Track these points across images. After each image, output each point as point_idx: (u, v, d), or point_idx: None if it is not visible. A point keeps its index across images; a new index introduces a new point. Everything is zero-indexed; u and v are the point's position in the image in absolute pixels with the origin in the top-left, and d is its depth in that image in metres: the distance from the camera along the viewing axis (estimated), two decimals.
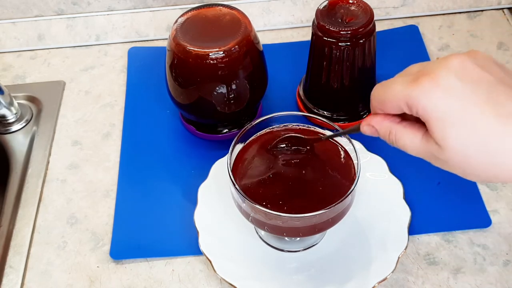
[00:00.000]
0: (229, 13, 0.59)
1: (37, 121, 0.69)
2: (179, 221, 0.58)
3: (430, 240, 0.56)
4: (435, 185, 0.60)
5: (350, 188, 0.47)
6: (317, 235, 0.55)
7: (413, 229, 0.56)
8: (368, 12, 0.58)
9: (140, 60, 0.75)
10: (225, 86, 0.57)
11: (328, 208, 0.45)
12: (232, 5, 0.60)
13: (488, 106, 0.34)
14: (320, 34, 0.58)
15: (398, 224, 0.55)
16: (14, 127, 0.68)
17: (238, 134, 0.51)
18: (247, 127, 0.52)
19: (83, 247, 0.58)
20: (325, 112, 0.64)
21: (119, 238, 0.57)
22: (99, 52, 0.77)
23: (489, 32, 0.76)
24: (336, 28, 0.57)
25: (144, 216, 0.59)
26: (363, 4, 0.59)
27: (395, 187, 0.58)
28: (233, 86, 0.58)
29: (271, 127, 0.53)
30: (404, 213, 0.56)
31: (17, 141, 0.67)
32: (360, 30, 0.57)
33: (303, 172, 0.50)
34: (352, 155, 0.51)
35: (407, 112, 0.37)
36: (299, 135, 0.52)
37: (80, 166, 0.65)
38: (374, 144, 0.59)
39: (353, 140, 0.50)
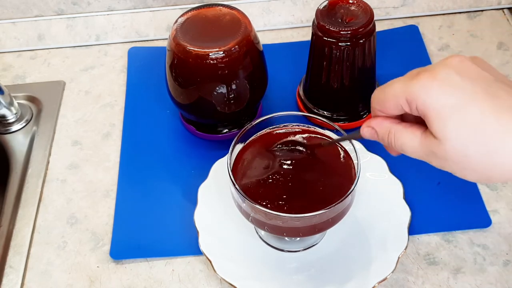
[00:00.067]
0: (229, 13, 0.59)
1: (37, 121, 0.69)
2: (179, 221, 0.58)
3: (430, 240, 0.56)
4: (435, 185, 0.60)
5: (350, 188, 0.47)
6: (317, 235, 0.55)
7: (413, 229, 0.56)
8: (368, 12, 0.58)
9: (140, 60, 0.75)
10: (225, 86, 0.57)
11: (328, 208, 0.45)
12: (232, 5, 0.60)
13: (487, 99, 0.34)
14: (320, 34, 0.58)
15: (398, 224, 0.55)
16: (14, 127, 0.68)
17: (238, 134, 0.51)
18: (247, 127, 0.52)
19: (83, 247, 0.58)
20: (325, 112, 0.64)
21: (119, 238, 0.57)
22: (99, 52, 0.77)
23: (489, 32, 0.76)
24: (336, 28, 0.57)
25: (144, 216, 0.59)
26: (363, 4, 0.59)
27: (395, 187, 0.58)
28: (233, 86, 0.58)
29: (271, 127, 0.53)
30: (404, 213, 0.56)
31: (17, 141, 0.67)
32: (360, 30, 0.57)
33: (303, 172, 0.50)
34: (352, 155, 0.51)
35: (407, 110, 0.37)
36: (300, 140, 0.52)
37: (80, 166, 0.65)
38: (374, 144, 0.59)
39: (353, 140, 0.50)
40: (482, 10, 0.79)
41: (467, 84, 0.35)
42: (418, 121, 0.38)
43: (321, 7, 0.59)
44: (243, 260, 0.54)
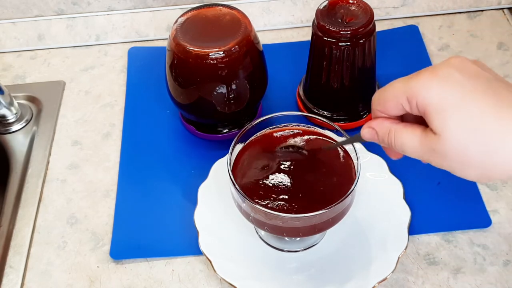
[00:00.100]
0: (229, 13, 0.59)
1: (37, 121, 0.69)
2: (179, 221, 0.58)
3: (430, 240, 0.56)
4: (435, 185, 0.60)
5: (350, 188, 0.47)
6: (317, 235, 0.55)
7: (413, 229, 0.56)
8: (368, 12, 0.58)
9: (140, 60, 0.75)
10: (225, 86, 0.57)
11: (328, 208, 0.45)
12: (232, 5, 0.60)
13: (487, 96, 0.35)
14: (320, 34, 0.58)
15: (398, 224, 0.55)
16: (14, 127, 0.68)
17: (238, 134, 0.51)
18: (247, 127, 0.52)
19: (83, 247, 0.58)
20: (325, 112, 0.64)
21: (119, 238, 0.57)
22: (99, 52, 0.77)
23: (489, 32, 0.76)
24: (336, 28, 0.57)
25: (144, 216, 0.59)
26: (363, 4, 0.59)
27: (395, 187, 0.58)
28: (233, 86, 0.58)
29: (271, 127, 0.53)
30: (404, 213, 0.56)
31: (17, 141, 0.67)
32: (360, 30, 0.57)
33: (303, 172, 0.50)
34: (352, 155, 0.51)
35: (407, 108, 0.38)
36: (300, 144, 0.52)
37: (80, 166, 0.65)
38: (374, 144, 0.59)
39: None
40: (482, 10, 0.79)
41: (467, 81, 0.35)
42: (418, 122, 0.38)
43: (321, 7, 0.59)
44: (243, 260, 0.54)
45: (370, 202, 0.57)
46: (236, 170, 0.51)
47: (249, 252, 0.55)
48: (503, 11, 0.79)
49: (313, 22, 0.59)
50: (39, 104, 0.71)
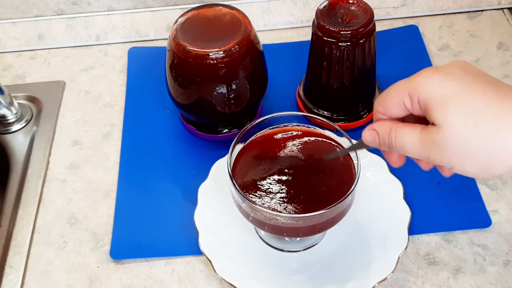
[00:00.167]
0: (229, 13, 0.59)
1: (37, 121, 0.69)
2: (179, 221, 0.58)
3: (430, 240, 0.56)
4: (435, 185, 0.60)
5: (350, 188, 0.47)
6: (317, 235, 0.55)
7: (413, 229, 0.56)
8: (368, 12, 0.58)
9: (140, 60, 0.75)
10: (225, 86, 0.57)
11: (328, 208, 0.45)
12: (232, 5, 0.60)
13: (488, 88, 0.35)
14: (320, 34, 0.58)
15: (398, 224, 0.55)
16: (14, 127, 0.68)
17: (238, 134, 0.51)
18: (247, 127, 0.52)
19: (83, 247, 0.58)
20: (325, 112, 0.64)
21: (119, 238, 0.57)
22: (99, 52, 0.77)
23: (489, 32, 0.76)
24: (336, 28, 0.57)
25: (144, 216, 0.59)
26: (363, 4, 0.59)
27: (395, 187, 0.58)
28: (233, 86, 0.58)
29: (271, 127, 0.53)
30: (404, 213, 0.56)
31: (17, 141, 0.67)
32: (360, 30, 0.57)
33: (303, 172, 0.50)
34: (352, 155, 0.51)
35: (409, 106, 0.38)
36: (300, 146, 0.52)
37: (80, 166, 0.65)
38: None
39: (353, 140, 0.50)
40: (482, 10, 0.79)
41: (468, 76, 0.36)
42: (419, 122, 0.38)
43: (321, 7, 0.59)
44: (243, 260, 0.54)
45: (370, 202, 0.57)
46: (236, 170, 0.51)
47: (249, 252, 0.55)
48: (503, 11, 0.79)
49: (313, 22, 0.59)
50: (39, 104, 0.71)
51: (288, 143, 0.53)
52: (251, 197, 0.49)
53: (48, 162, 0.65)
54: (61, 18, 0.77)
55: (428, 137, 0.36)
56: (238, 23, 0.57)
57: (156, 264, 0.56)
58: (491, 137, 0.34)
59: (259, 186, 0.50)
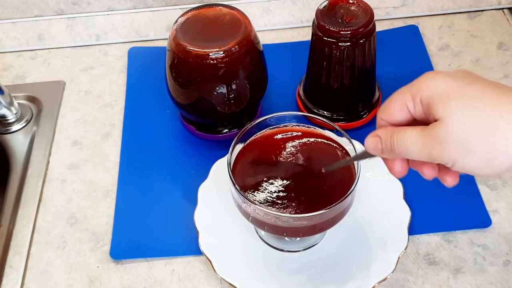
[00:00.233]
0: (229, 13, 0.59)
1: (37, 121, 0.69)
2: (179, 221, 0.58)
3: (430, 240, 0.56)
4: (435, 185, 0.59)
5: (350, 188, 0.47)
6: (317, 235, 0.55)
7: (413, 229, 0.56)
8: (368, 12, 0.58)
9: (140, 60, 0.75)
10: (225, 86, 0.57)
11: (328, 208, 0.45)
12: (232, 5, 0.60)
13: (491, 85, 0.36)
14: (320, 34, 0.58)
15: (398, 224, 0.55)
16: (14, 127, 0.68)
17: (238, 134, 0.51)
18: (247, 127, 0.52)
19: (83, 247, 0.58)
20: (325, 112, 0.64)
21: (119, 238, 0.57)
22: (99, 52, 0.77)
23: (489, 32, 0.76)
24: (336, 28, 0.57)
25: (144, 216, 0.59)
26: (363, 4, 0.59)
27: (395, 187, 0.58)
28: (233, 86, 0.58)
29: (271, 127, 0.53)
30: (404, 213, 0.56)
31: (17, 141, 0.67)
32: (360, 30, 0.57)
33: (303, 172, 0.50)
34: (352, 155, 0.51)
35: (411, 108, 0.38)
36: (300, 146, 0.52)
37: (80, 166, 0.65)
38: None
39: (353, 140, 0.50)
40: (482, 10, 0.79)
41: (470, 76, 0.37)
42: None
43: (321, 7, 0.59)
44: (243, 260, 0.54)
45: (370, 202, 0.57)
46: (236, 170, 0.51)
47: (249, 252, 0.55)
48: (503, 11, 0.79)
49: (313, 22, 0.59)
50: (39, 104, 0.71)
51: (288, 143, 0.53)
52: (251, 197, 0.49)
53: (48, 162, 0.65)
54: (61, 18, 0.77)
55: (430, 133, 0.36)
56: (238, 23, 0.57)
57: (156, 264, 0.56)
58: (493, 127, 0.34)
59: (259, 186, 0.50)
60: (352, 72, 0.60)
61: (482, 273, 0.54)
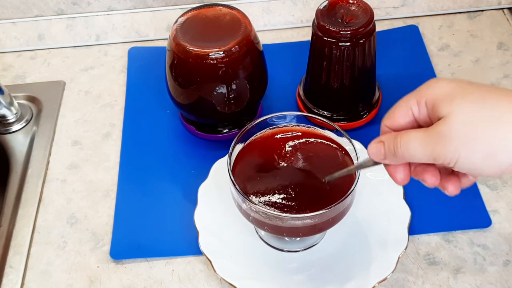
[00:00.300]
0: (229, 13, 0.59)
1: (37, 121, 0.69)
2: (179, 221, 0.58)
3: (430, 240, 0.56)
4: None
5: (350, 188, 0.47)
6: (317, 235, 0.55)
7: (413, 229, 0.56)
8: (368, 12, 0.58)
9: (140, 60, 0.75)
10: (225, 86, 0.57)
11: (328, 208, 0.45)
12: (232, 5, 0.60)
13: (493, 88, 0.37)
14: (320, 34, 0.58)
15: (398, 224, 0.55)
16: (14, 127, 0.68)
17: (238, 134, 0.51)
18: (247, 127, 0.52)
19: (83, 247, 0.58)
20: (325, 112, 0.64)
21: (119, 238, 0.57)
22: (99, 52, 0.77)
23: (489, 32, 0.76)
24: (336, 28, 0.57)
25: (144, 216, 0.59)
26: (363, 4, 0.59)
27: (395, 187, 0.58)
28: (233, 86, 0.58)
29: (271, 127, 0.53)
30: (404, 213, 0.56)
31: (17, 141, 0.67)
32: (360, 30, 0.57)
33: (303, 172, 0.50)
34: (352, 155, 0.51)
35: (416, 112, 0.39)
36: (300, 146, 0.52)
37: (80, 166, 0.65)
38: None
39: (353, 140, 0.50)
40: (482, 10, 0.79)
41: (473, 82, 0.38)
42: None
43: (321, 7, 0.59)
44: (243, 260, 0.54)
45: (370, 202, 0.57)
46: (236, 170, 0.51)
47: (249, 252, 0.55)
48: (503, 11, 0.79)
49: (313, 22, 0.59)
50: (39, 104, 0.71)
51: (288, 143, 0.53)
52: (251, 197, 0.49)
53: (48, 162, 0.65)
54: (61, 18, 0.77)
55: (433, 131, 0.37)
56: (238, 23, 0.57)
57: (156, 264, 0.56)
58: (493, 126, 0.35)
59: (259, 186, 0.50)
60: (352, 72, 0.60)
61: (482, 273, 0.54)
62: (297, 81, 0.69)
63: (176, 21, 0.58)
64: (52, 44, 0.78)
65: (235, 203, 0.51)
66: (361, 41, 0.57)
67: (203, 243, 0.54)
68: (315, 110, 0.65)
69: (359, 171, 0.48)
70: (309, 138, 0.53)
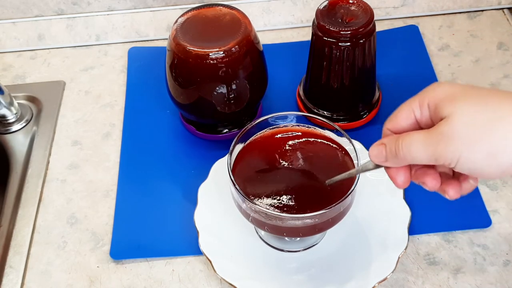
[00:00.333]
0: (229, 13, 0.59)
1: (37, 121, 0.69)
2: (179, 221, 0.58)
3: (430, 240, 0.56)
4: None
5: (350, 188, 0.47)
6: (317, 235, 0.55)
7: (413, 229, 0.56)
8: (368, 12, 0.58)
9: (140, 60, 0.75)
10: (225, 86, 0.57)
11: (328, 208, 0.45)
12: (232, 5, 0.60)
13: (495, 91, 0.37)
14: (320, 34, 0.58)
15: (398, 224, 0.55)
16: (14, 127, 0.68)
17: (238, 134, 0.51)
18: (247, 127, 0.52)
19: (83, 247, 0.58)
20: (325, 112, 0.64)
21: (119, 238, 0.57)
22: (99, 52, 0.77)
23: (489, 32, 0.76)
24: (336, 28, 0.57)
25: (144, 216, 0.59)
26: (363, 4, 0.59)
27: (395, 187, 0.57)
28: (233, 86, 0.58)
29: (271, 127, 0.53)
30: (404, 213, 0.56)
31: (17, 141, 0.67)
32: (360, 30, 0.57)
33: (303, 172, 0.50)
34: (352, 155, 0.51)
35: (418, 114, 0.39)
36: (300, 146, 0.52)
37: (80, 166, 0.65)
38: None
39: (353, 140, 0.50)
40: (482, 10, 0.79)
41: (475, 86, 0.38)
42: None
43: (321, 7, 0.59)
44: (243, 260, 0.54)
45: (370, 202, 0.57)
46: (236, 170, 0.51)
47: (249, 252, 0.55)
48: (503, 11, 0.79)
49: (313, 22, 0.59)
50: (39, 104, 0.71)
51: (288, 143, 0.53)
52: (251, 197, 0.49)
53: (48, 162, 0.65)
54: (61, 18, 0.77)
55: (435, 131, 0.37)
56: (238, 23, 0.57)
57: (156, 264, 0.56)
58: (498, 120, 0.35)
59: (259, 186, 0.50)
60: (352, 72, 0.60)
61: (482, 273, 0.54)
62: (297, 81, 0.69)
63: (176, 21, 0.58)
64: (52, 44, 0.78)
65: (235, 203, 0.51)
66: (361, 41, 0.57)
67: (203, 243, 0.54)
68: (315, 110, 0.65)
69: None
70: (309, 138, 0.53)
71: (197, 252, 0.55)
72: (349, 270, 0.53)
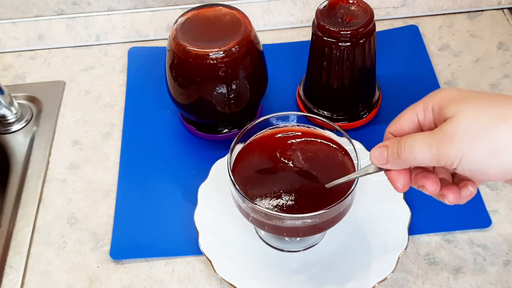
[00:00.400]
0: (229, 13, 0.59)
1: (37, 121, 0.69)
2: (179, 221, 0.58)
3: (430, 240, 0.56)
4: None
5: (350, 188, 0.47)
6: (317, 235, 0.55)
7: (413, 229, 0.56)
8: (368, 12, 0.58)
9: (140, 60, 0.75)
10: (225, 86, 0.57)
11: (328, 208, 0.45)
12: (232, 5, 0.60)
13: (501, 95, 0.37)
14: (320, 34, 0.58)
15: (398, 224, 0.55)
16: (14, 127, 0.68)
17: (238, 134, 0.51)
18: (247, 127, 0.52)
19: (83, 247, 0.58)
20: (325, 112, 0.64)
21: (119, 238, 0.57)
22: (99, 52, 0.77)
23: (489, 32, 0.76)
24: (336, 28, 0.57)
25: (144, 216, 0.59)
26: (363, 4, 0.59)
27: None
28: (233, 86, 0.58)
29: (271, 127, 0.53)
30: (404, 213, 0.56)
31: (17, 141, 0.67)
32: (360, 30, 0.57)
33: (303, 172, 0.50)
34: (352, 155, 0.51)
35: (421, 116, 0.39)
36: (300, 146, 0.52)
37: (80, 166, 0.65)
38: (374, 144, 0.59)
39: (353, 140, 0.50)
40: (482, 10, 0.79)
41: (480, 91, 0.40)
42: None
43: (321, 7, 0.59)
44: (243, 260, 0.54)
45: (370, 202, 0.57)
46: (236, 170, 0.51)
47: (249, 252, 0.55)
48: (503, 11, 0.79)
49: (313, 22, 0.59)
50: (39, 104, 0.71)
51: (288, 143, 0.53)
52: (251, 197, 0.49)
53: (48, 162, 0.65)
54: (61, 18, 0.77)
55: (438, 131, 0.37)
56: (238, 23, 0.57)
57: (156, 264, 0.56)
58: (501, 120, 0.35)
59: (259, 186, 0.50)
60: (352, 72, 0.60)
61: (482, 273, 0.54)
62: (297, 81, 0.69)
63: (176, 21, 0.58)
64: (52, 44, 0.78)
65: (235, 203, 0.51)
66: (361, 41, 0.57)
67: (203, 243, 0.54)
68: (315, 110, 0.65)
69: (359, 169, 0.47)
70: (309, 138, 0.53)
71: (197, 252, 0.55)
72: (349, 270, 0.53)
